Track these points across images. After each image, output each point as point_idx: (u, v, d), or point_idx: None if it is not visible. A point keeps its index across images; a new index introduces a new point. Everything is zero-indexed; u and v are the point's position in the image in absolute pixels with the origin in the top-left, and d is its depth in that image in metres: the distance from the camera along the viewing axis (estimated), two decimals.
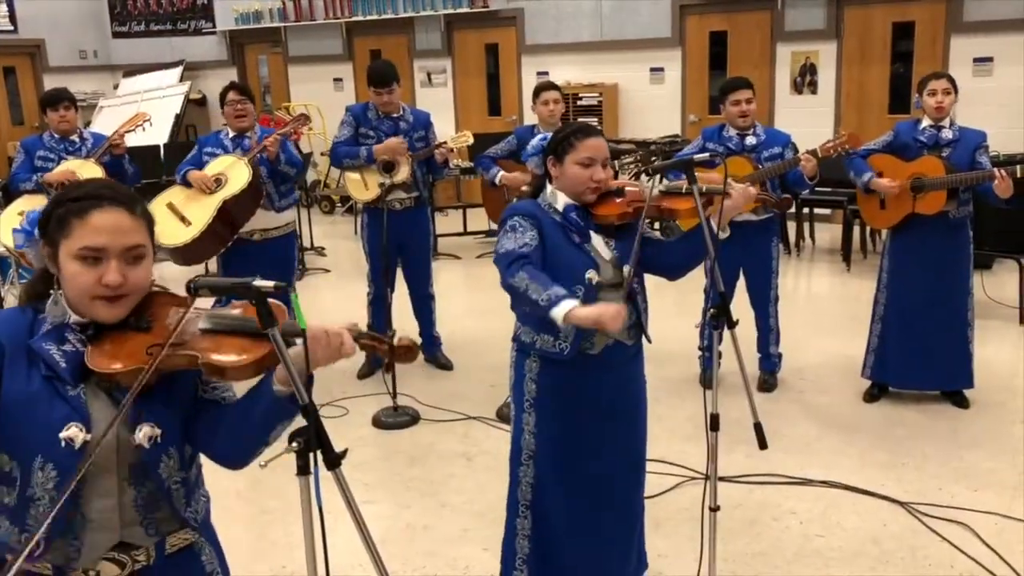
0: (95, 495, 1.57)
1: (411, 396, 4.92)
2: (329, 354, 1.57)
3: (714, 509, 2.71)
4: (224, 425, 1.66)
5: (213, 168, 4.80)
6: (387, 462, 4.24)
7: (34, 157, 5.12)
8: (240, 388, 1.70)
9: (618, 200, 2.70)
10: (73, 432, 1.53)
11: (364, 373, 5.32)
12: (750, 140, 4.65)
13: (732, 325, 2.58)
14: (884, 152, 4.50)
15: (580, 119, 8.90)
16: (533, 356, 2.75)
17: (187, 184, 4.80)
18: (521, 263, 2.51)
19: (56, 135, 5.18)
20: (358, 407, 4.79)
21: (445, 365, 5.45)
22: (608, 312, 2.27)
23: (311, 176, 10.58)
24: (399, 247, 5.19)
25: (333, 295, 7.47)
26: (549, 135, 2.80)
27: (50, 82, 11.14)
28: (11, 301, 6.04)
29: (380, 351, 1.65)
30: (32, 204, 4.91)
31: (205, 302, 1.60)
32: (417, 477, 4.09)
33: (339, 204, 11.02)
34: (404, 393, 4.87)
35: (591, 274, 2.61)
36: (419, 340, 5.41)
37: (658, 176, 3.37)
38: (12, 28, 11.99)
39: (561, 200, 2.68)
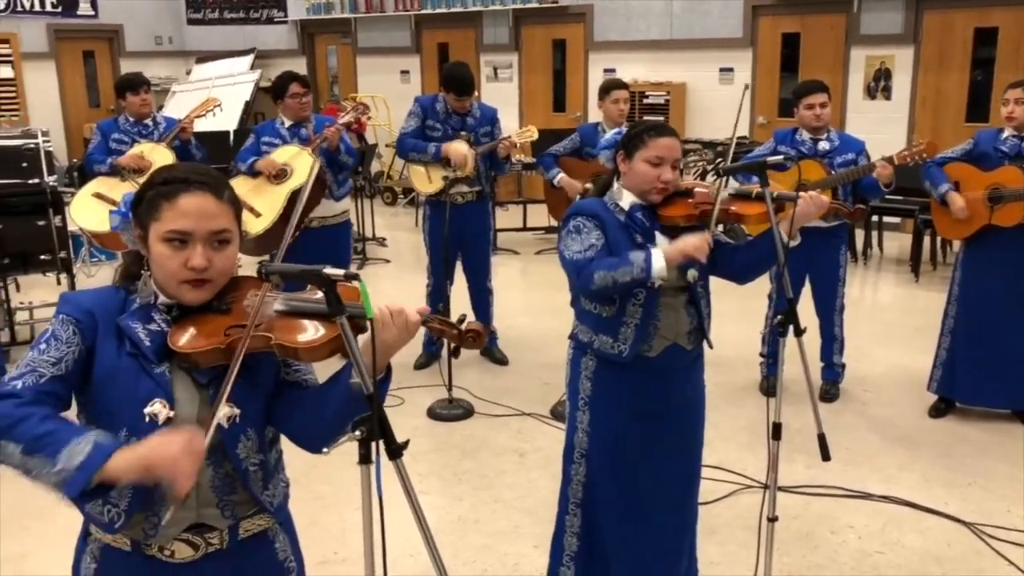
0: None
1: (466, 389, 4.93)
2: (398, 333, 1.58)
3: (772, 519, 2.66)
4: (304, 409, 1.68)
5: (278, 158, 4.85)
6: (440, 454, 4.25)
7: (109, 139, 5.23)
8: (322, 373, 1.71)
9: (687, 201, 2.65)
10: (157, 408, 1.56)
11: (420, 364, 5.35)
12: (823, 145, 4.55)
13: (799, 333, 2.53)
14: (962, 161, 4.37)
15: (645, 118, 8.82)
16: (590, 355, 2.72)
17: (252, 174, 4.86)
18: (591, 267, 2.51)
19: (132, 118, 5.29)
20: (413, 398, 4.82)
21: (501, 360, 5.45)
22: (691, 241, 2.38)
23: (375, 167, 10.67)
24: (459, 240, 5.20)
25: (392, 285, 7.52)
26: (623, 130, 2.76)
27: (127, 66, 11.42)
28: (82, 278, 6.21)
29: (449, 335, 1.65)
30: (106, 186, 5.04)
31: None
32: (470, 470, 4.09)
33: (401, 196, 11.10)
34: (459, 386, 4.88)
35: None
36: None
37: (726, 178, 3.31)
38: (93, 13, 12.31)
39: (627, 199, 2.65)
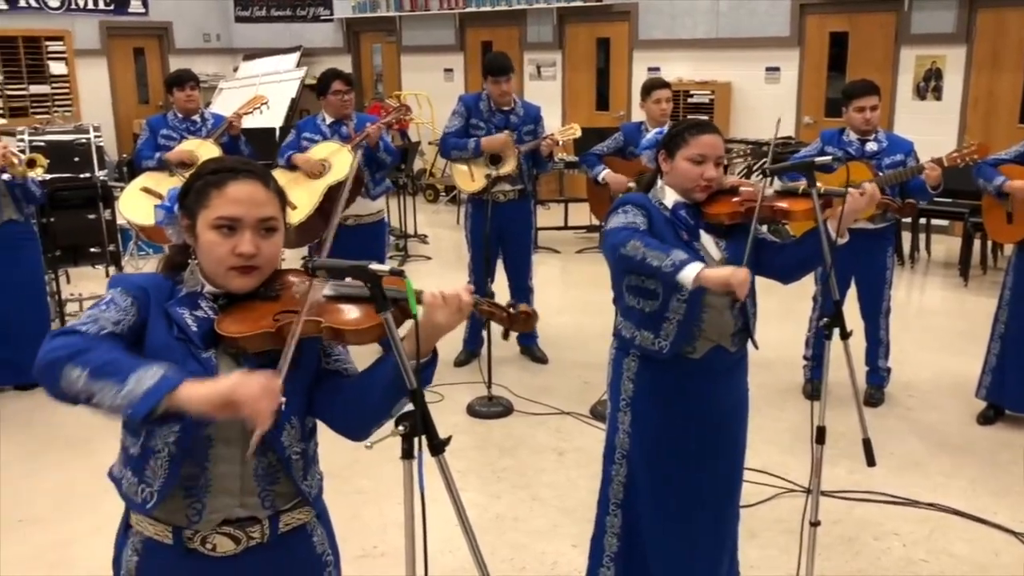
0: (220, 460, 1.61)
1: (505, 387, 4.94)
2: (448, 315, 1.59)
3: (814, 524, 2.63)
4: (346, 396, 1.69)
5: (317, 154, 4.90)
6: (479, 451, 4.26)
7: (158, 135, 5.32)
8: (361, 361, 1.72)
9: (731, 199, 2.63)
10: None
11: (460, 361, 5.37)
12: (871, 146, 4.48)
13: (846, 336, 2.49)
14: (1015, 163, 4.27)
15: (690, 117, 8.76)
16: (632, 355, 2.71)
17: (290, 168, 4.91)
18: (631, 231, 2.47)
19: (180, 114, 5.37)
20: (453, 394, 4.83)
21: (540, 359, 5.45)
22: (739, 275, 2.28)
23: (417, 164, 10.72)
24: (501, 238, 5.21)
25: (434, 282, 7.47)
26: (666, 129, 2.74)
27: (175, 63, 11.59)
28: (129, 271, 6.32)
29: (499, 317, 1.67)
30: (154, 181, 5.12)
31: None
32: (508, 468, 4.10)
33: (443, 193, 11.14)
34: (499, 384, 4.89)
35: None
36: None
37: (772, 176, 3.27)
38: (144, 11, 12.53)
39: (670, 197, 2.63)
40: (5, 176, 4.78)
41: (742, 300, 2.41)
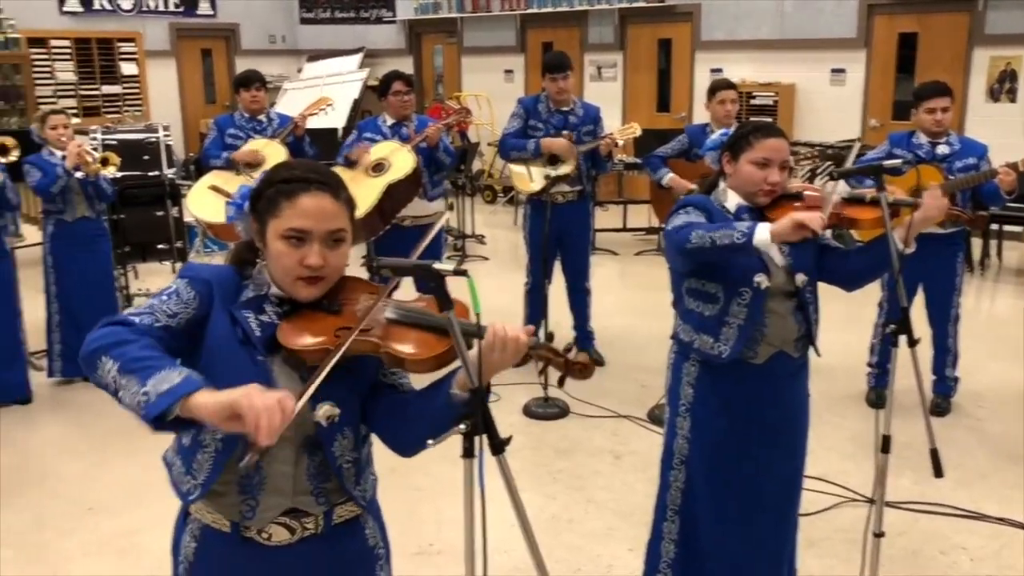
0: (275, 460, 1.63)
1: (561, 388, 4.91)
2: (503, 356, 1.58)
3: (878, 535, 2.58)
4: (398, 414, 1.70)
5: (376, 153, 4.94)
6: (535, 452, 4.27)
7: (225, 134, 5.42)
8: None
9: (795, 204, 2.58)
10: None
11: (517, 362, 5.36)
12: (942, 149, 4.37)
13: (913, 343, 2.43)
14: None
15: (752, 119, 8.64)
16: (692, 360, 2.69)
17: (348, 165, 4.96)
18: (690, 226, 2.44)
19: (246, 114, 5.48)
20: (509, 395, 4.84)
21: (597, 361, 5.43)
22: (807, 214, 2.24)
23: (476, 165, 10.77)
24: (559, 240, 5.20)
25: (491, 283, 7.57)
26: (730, 131, 2.71)
27: (242, 64, 11.81)
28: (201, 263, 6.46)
29: (555, 364, 1.63)
30: (221, 179, 5.22)
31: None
32: (564, 470, 4.09)
33: (501, 194, 11.17)
34: (555, 385, 4.87)
35: (760, 278, 2.51)
36: (572, 333, 5.41)
37: (839, 181, 3.21)
38: (212, 13, 12.81)
39: (732, 200, 2.60)
40: (79, 174, 4.92)
41: (819, 232, 2.31)
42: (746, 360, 2.57)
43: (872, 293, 4.34)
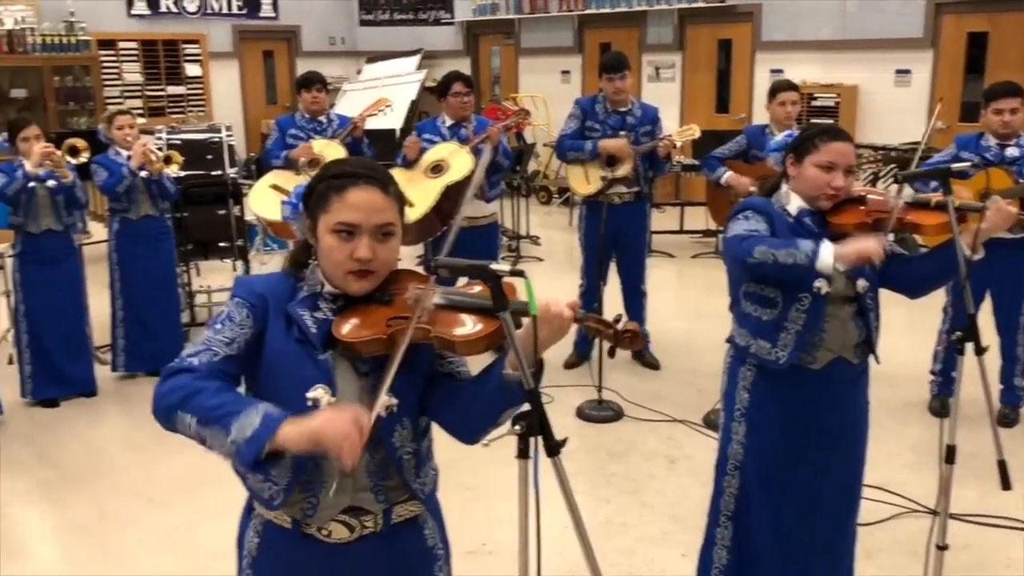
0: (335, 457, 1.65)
1: (616, 391, 4.90)
2: (551, 330, 1.58)
3: (941, 547, 2.51)
4: (456, 401, 1.71)
5: (435, 154, 4.96)
6: (589, 454, 4.25)
7: (286, 135, 5.50)
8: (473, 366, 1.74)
9: (858, 208, 2.53)
10: (319, 393, 1.61)
11: (570, 363, 5.36)
12: (1011, 151, 4.24)
13: (981, 351, 2.37)
14: None
15: (813, 120, 8.49)
16: (748, 364, 2.65)
17: (407, 166, 5.00)
18: (753, 239, 2.42)
19: (307, 115, 5.55)
20: (563, 396, 4.82)
21: (652, 364, 5.39)
22: (870, 244, 2.25)
23: (531, 166, 10.77)
24: (615, 241, 5.17)
25: (545, 284, 7.54)
26: (795, 132, 2.66)
27: (302, 65, 11.98)
28: (255, 266, 6.58)
29: (604, 334, 1.63)
30: (282, 179, 5.31)
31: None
32: (618, 473, 4.07)
33: (556, 195, 11.16)
34: (609, 388, 4.86)
35: (820, 283, 2.46)
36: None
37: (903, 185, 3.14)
38: (274, 15, 13.02)
39: (794, 203, 2.56)
40: (143, 173, 5.04)
41: (878, 264, 2.34)
42: (804, 365, 2.53)
43: (936, 298, 4.22)
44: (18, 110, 10.45)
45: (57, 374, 4.94)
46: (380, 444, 1.67)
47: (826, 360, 2.53)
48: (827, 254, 2.30)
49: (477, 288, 1.65)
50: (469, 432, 1.72)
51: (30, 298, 4.85)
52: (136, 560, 3.46)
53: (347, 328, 1.62)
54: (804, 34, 9.61)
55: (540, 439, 1.54)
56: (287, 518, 1.70)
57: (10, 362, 5.31)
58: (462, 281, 1.69)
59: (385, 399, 1.60)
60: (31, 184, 4.67)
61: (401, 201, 1.72)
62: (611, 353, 1.67)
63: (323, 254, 1.68)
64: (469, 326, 1.60)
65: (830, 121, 8.77)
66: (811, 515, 2.64)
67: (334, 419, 1.44)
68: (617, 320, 1.63)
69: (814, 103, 9.27)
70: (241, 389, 1.67)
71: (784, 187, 2.60)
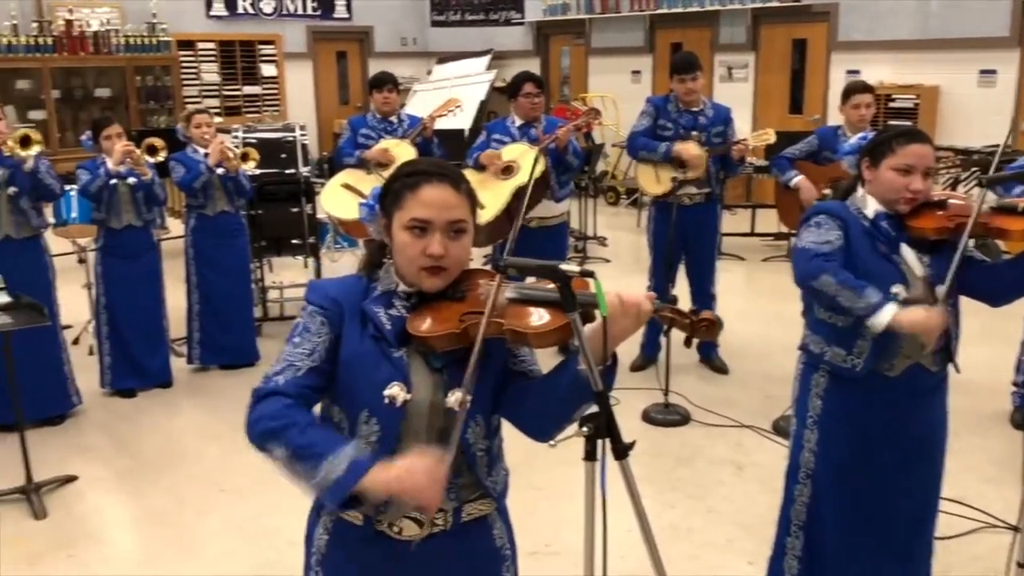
0: (408, 455, 1.65)
1: (683, 395, 4.85)
2: (626, 323, 1.58)
3: (1023, 565, 2.42)
4: (528, 399, 1.72)
5: (505, 155, 4.97)
6: (655, 458, 4.21)
7: (357, 134, 5.59)
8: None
9: (938, 213, 2.46)
10: (395, 391, 1.64)
11: (637, 366, 5.32)
12: None
13: None
14: None
15: (890, 122, 8.28)
16: (821, 371, 2.60)
17: (478, 168, 5.02)
18: (822, 262, 2.40)
19: (378, 115, 5.62)
20: (629, 399, 4.79)
21: (720, 368, 5.32)
22: (934, 319, 2.22)
23: (600, 166, 10.73)
24: (684, 243, 5.12)
25: (611, 286, 7.41)
26: (870, 134, 2.60)
27: (374, 66, 12.15)
28: (326, 263, 6.68)
29: (680, 324, 1.63)
30: (354, 178, 5.38)
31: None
32: (684, 478, 4.02)
33: (624, 196, 11.10)
34: (676, 391, 4.81)
35: (898, 289, 2.40)
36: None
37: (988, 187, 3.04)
38: (347, 16, 13.22)
39: (871, 206, 2.50)
40: (220, 170, 5.17)
41: (930, 347, 2.34)
42: (881, 372, 2.47)
43: (1018, 306, 4.08)
44: (102, 109, 10.82)
45: (135, 365, 5.10)
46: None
47: (904, 367, 2.47)
48: (885, 316, 2.30)
49: (550, 284, 1.66)
50: (542, 429, 1.73)
51: (111, 291, 5.02)
52: (209, 548, 3.55)
53: (422, 324, 1.65)
54: (883, 34, 9.38)
55: (608, 441, 1.53)
56: (359, 515, 1.72)
57: (90, 353, 5.50)
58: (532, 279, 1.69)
59: (459, 396, 1.61)
60: (113, 181, 4.83)
61: (473, 199, 1.74)
62: (687, 343, 1.66)
63: (397, 251, 1.71)
64: (541, 319, 1.61)
65: (908, 123, 8.54)
66: (887, 527, 2.58)
67: (413, 473, 1.50)
68: (693, 310, 1.62)
69: (891, 104, 9.04)
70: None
71: (860, 190, 2.54)
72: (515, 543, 1.89)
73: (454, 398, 1.63)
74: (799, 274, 2.46)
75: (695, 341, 1.71)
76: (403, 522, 1.71)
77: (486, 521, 1.80)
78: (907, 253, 2.46)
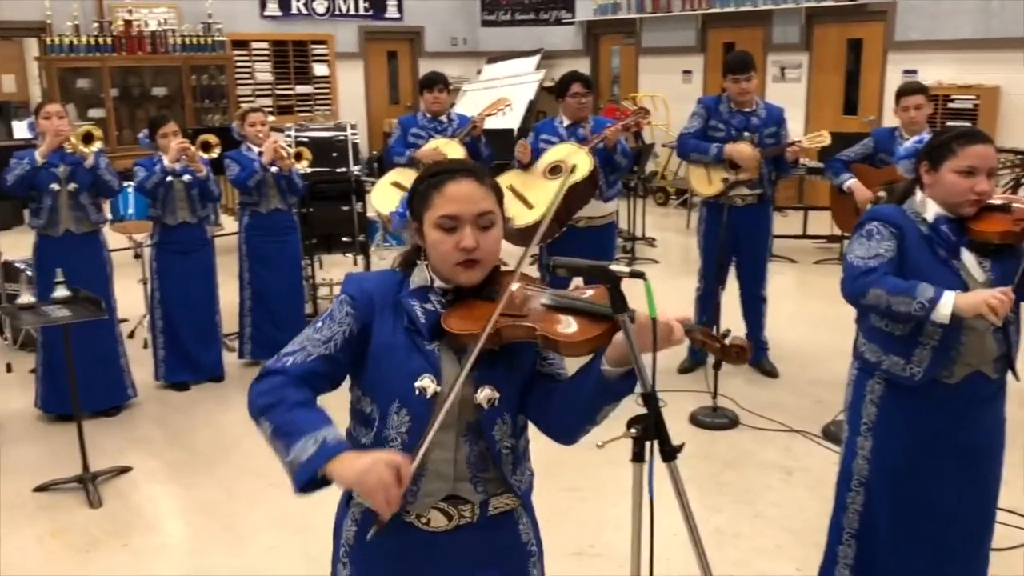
0: (435, 447, 1.69)
1: (731, 399, 4.80)
2: (658, 343, 1.57)
3: None
4: (553, 400, 1.73)
5: (553, 155, 4.95)
6: (702, 461, 4.17)
7: (408, 134, 5.62)
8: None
9: (1003, 217, 2.40)
10: (426, 383, 1.67)
11: (685, 368, 5.28)
12: None
13: None
14: None
15: (948, 123, 8.10)
16: (876, 377, 2.55)
17: (523, 168, 5.02)
18: (867, 279, 2.36)
19: (428, 115, 5.65)
20: (676, 402, 4.75)
21: (770, 372, 5.25)
22: (996, 301, 2.16)
23: (649, 167, 10.66)
24: (735, 245, 5.06)
25: (659, 287, 7.36)
26: (926, 137, 2.55)
27: (425, 66, 12.22)
28: (375, 261, 6.75)
29: (711, 348, 1.63)
30: (404, 176, 5.42)
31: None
32: (731, 482, 3.98)
33: (673, 196, 11.02)
34: (724, 395, 4.76)
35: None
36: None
37: None
38: (399, 16, 13.32)
39: (932, 210, 2.45)
40: (274, 168, 5.25)
41: (999, 324, 2.25)
42: (939, 379, 2.42)
43: None
44: (158, 107, 11.04)
45: (188, 359, 5.19)
46: (481, 436, 1.71)
47: (963, 374, 2.43)
48: (947, 305, 2.23)
49: (589, 292, 1.67)
50: (566, 431, 1.74)
51: (165, 286, 5.12)
52: (257, 540, 3.60)
53: (457, 321, 1.67)
54: (941, 34, 9.18)
55: (656, 443, 1.52)
56: None
57: (145, 346, 5.61)
58: (576, 282, 1.69)
59: (488, 393, 1.65)
60: (168, 178, 4.93)
61: (498, 192, 1.76)
62: (716, 366, 1.66)
63: (431, 250, 1.73)
64: (575, 328, 1.62)
65: (967, 124, 8.34)
66: (942, 537, 2.53)
67: (378, 469, 1.50)
68: (725, 335, 1.62)
69: (950, 105, 8.84)
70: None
71: (919, 195, 2.49)
72: (541, 541, 1.90)
73: (483, 395, 1.66)
74: (848, 294, 2.44)
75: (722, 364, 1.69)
76: (431, 513, 1.73)
77: (512, 515, 1.82)
78: (968, 258, 2.41)
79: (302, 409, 1.64)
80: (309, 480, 1.56)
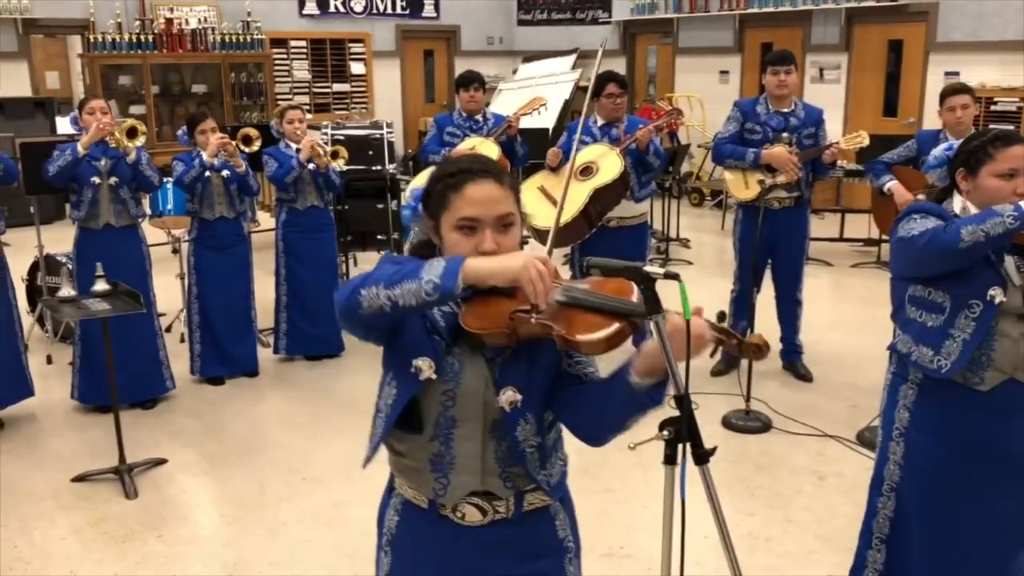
0: (462, 438, 1.70)
1: (764, 402, 4.76)
2: (679, 348, 1.55)
3: None
4: (584, 403, 1.72)
5: (585, 156, 4.94)
6: (733, 465, 4.15)
7: (443, 132, 5.65)
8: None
9: None
10: (423, 363, 1.66)
11: (718, 371, 5.24)
12: None
13: None
14: None
15: (992, 126, 7.97)
16: (910, 383, 2.52)
17: (552, 169, 5.02)
18: (949, 228, 2.28)
19: (464, 113, 5.67)
20: (709, 404, 4.72)
21: (804, 376, 5.20)
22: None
23: (684, 167, 10.61)
24: (771, 247, 5.02)
25: (693, 289, 7.31)
26: (955, 144, 2.51)
27: (461, 65, 12.26)
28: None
29: (726, 345, 1.61)
30: None
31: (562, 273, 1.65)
32: (763, 486, 3.95)
33: (708, 197, 10.95)
34: (757, 398, 4.72)
35: (995, 292, 2.32)
36: (779, 345, 5.22)
37: None
38: (435, 15, 13.36)
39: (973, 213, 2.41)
40: (311, 166, 5.29)
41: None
42: (970, 386, 2.38)
43: None
44: (197, 104, 11.18)
45: (224, 353, 5.26)
46: (505, 435, 1.70)
47: (995, 382, 2.38)
48: None
49: (609, 286, 1.65)
50: (594, 435, 1.73)
51: (202, 281, 5.18)
52: (289, 534, 3.63)
53: (473, 319, 1.65)
54: (985, 34, 9.03)
55: (688, 446, 1.52)
56: (424, 499, 1.76)
57: (181, 340, 5.69)
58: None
59: (509, 395, 1.64)
60: (207, 173, 4.99)
61: (516, 191, 1.75)
62: (734, 363, 1.64)
63: (449, 251, 1.71)
64: (591, 326, 1.59)
65: (1012, 127, 8.19)
66: (975, 547, 2.49)
67: (535, 263, 1.50)
68: (744, 332, 1.61)
69: (993, 108, 8.70)
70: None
71: (958, 200, 2.45)
72: (579, 537, 1.89)
73: (504, 397, 1.65)
74: (944, 247, 2.28)
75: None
76: (465, 507, 1.74)
77: (548, 512, 1.81)
78: (1007, 261, 2.37)
79: (403, 263, 1.63)
80: (455, 279, 1.51)
